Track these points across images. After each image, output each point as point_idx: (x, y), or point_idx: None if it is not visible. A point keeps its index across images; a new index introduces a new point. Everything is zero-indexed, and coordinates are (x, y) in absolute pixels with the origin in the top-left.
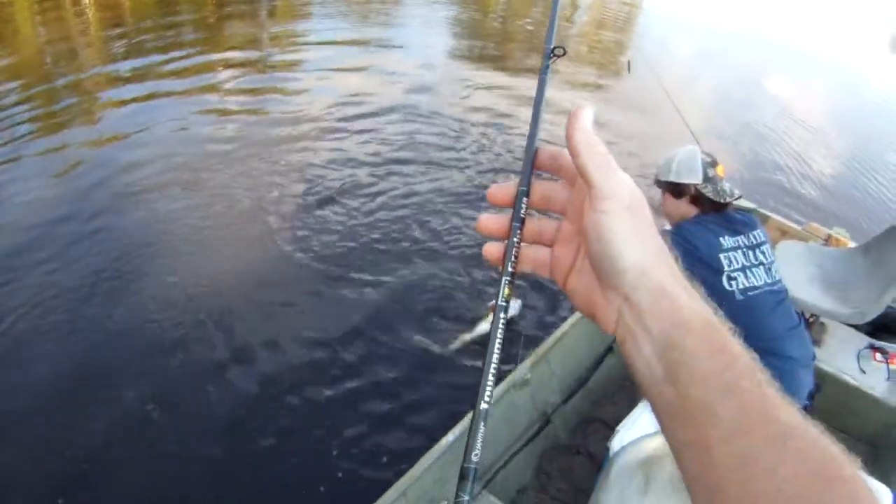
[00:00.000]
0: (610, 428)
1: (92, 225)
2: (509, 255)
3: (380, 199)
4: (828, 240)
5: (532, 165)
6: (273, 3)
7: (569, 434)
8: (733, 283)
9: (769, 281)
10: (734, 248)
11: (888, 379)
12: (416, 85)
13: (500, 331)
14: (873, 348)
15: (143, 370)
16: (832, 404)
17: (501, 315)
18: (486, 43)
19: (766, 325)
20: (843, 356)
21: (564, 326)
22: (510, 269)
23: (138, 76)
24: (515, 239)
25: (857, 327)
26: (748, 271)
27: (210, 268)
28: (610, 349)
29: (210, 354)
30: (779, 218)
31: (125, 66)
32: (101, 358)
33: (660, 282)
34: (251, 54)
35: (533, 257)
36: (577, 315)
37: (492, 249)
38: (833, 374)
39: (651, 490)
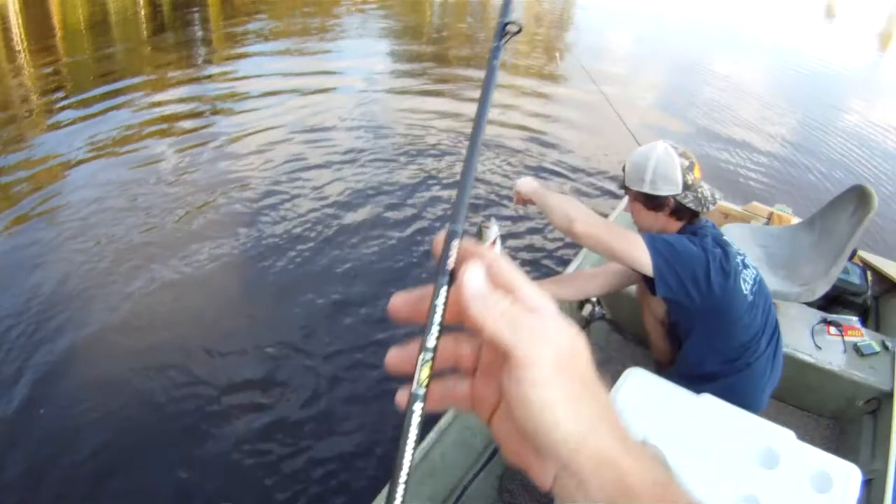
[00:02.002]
0: None
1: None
2: (431, 321)
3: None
4: (770, 218)
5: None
6: (209, 34)
7: None
8: (745, 284)
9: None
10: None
11: (844, 352)
12: (361, 109)
13: (414, 424)
14: (826, 322)
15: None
16: (790, 383)
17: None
18: (426, 64)
19: (767, 322)
20: (797, 334)
21: None
22: (435, 331)
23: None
24: (438, 303)
25: (808, 303)
26: (745, 271)
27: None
28: None
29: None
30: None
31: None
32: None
33: (600, 448)
34: (189, 88)
35: (447, 392)
36: None
37: (394, 356)
38: (789, 353)
39: None
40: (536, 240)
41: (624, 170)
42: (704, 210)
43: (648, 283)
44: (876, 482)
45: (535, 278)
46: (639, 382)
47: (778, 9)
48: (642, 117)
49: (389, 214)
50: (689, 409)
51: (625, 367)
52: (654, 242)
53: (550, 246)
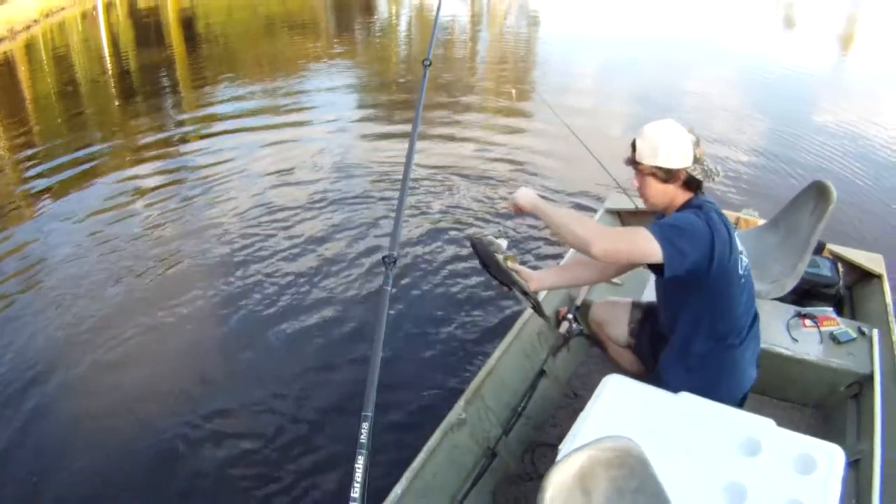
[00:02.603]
0: (557, 449)
1: None
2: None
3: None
4: (737, 223)
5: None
6: (178, 94)
7: (517, 463)
8: (740, 265)
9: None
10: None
11: (821, 342)
12: (329, 155)
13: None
14: (801, 316)
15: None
16: (772, 377)
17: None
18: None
19: (752, 307)
20: (773, 330)
21: (492, 360)
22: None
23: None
24: None
25: (780, 299)
26: (741, 254)
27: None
28: (542, 372)
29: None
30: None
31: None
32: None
33: None
34: (160, 148)
35: None
36: (505, 344)
37: None
38: (767, 349)
39: (593, 501)
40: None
41: (634, 147)
42: (711, 181)
43: (655, 267)
44: (864, 462)
45: (534, 267)
46: (617, 388)
47: (739, 21)
48: (608, 142)
49: (350, 250)
50: (668, 408)
51: None
52: (661, 231)
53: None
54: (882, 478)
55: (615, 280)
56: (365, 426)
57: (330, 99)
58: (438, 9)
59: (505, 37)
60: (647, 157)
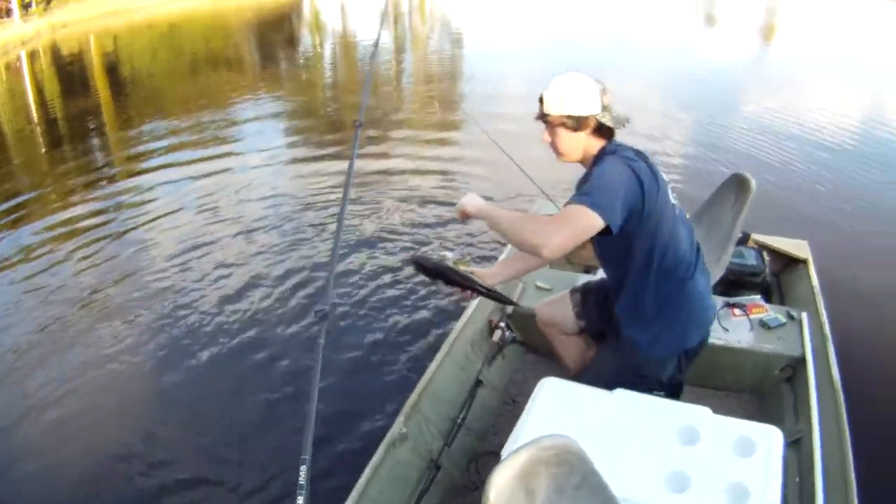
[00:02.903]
0: (499, 456)
1: None
2: None
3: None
4: None
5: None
6: (105, 140)
7: (461, 474)
8: (671, 195)
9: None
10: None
11: (751, 329)
12: (260, 187)
13: None
14: (730, 305)
15: None
16: (707, 368)
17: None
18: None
19: (692, 238)
20: None
21: (428, 373)
22: None
23: None
24: None
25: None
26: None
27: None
28: (479, 382)
29: None
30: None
31: None
32: None
33: None
34: (90, 192)
35: None
36: (440, 357)
37: None
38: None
39: (537, 500)
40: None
41: (541, 101)
42: (622, 126)
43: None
44: (803, 442)
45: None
46: (553, 390)
47: (661, 22)
48: (532, 150)
49: (285, 293)
50: (604, 405)
51: None
52: (593, 199)
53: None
54: (822, 455)
55: (542, 285)
56: (303, 469)
57: (259, 133)
58: (370, 75)
59: (429, 57)
60: (555, 108)
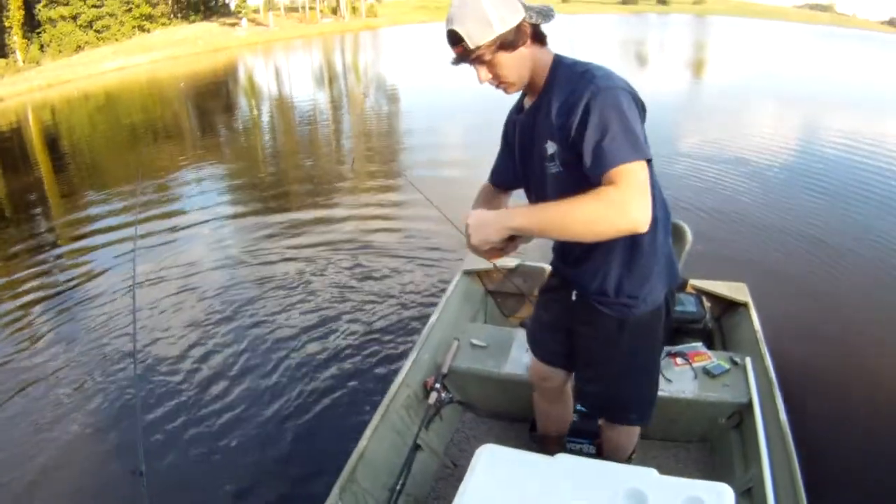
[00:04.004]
0: None
1: None
2: None
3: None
4: None
5: None
6: (48, 214)
7: None
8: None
9: None
10: None
11: (695, 378)
12: (210, 256)
13: None
14: (671, 355)
15: None
16: (656, 425)
17: None
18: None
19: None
20: None
21: (363, 441)
22: None
23: None
24: None
25: None
26: None
27: None
28: (417, 446)
29: None
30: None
31: None
32: None
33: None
34: (33, 271)
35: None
36: (374, 423)
37: None
38: None
39: None
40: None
41: (458, 40)
42: (550, 19)
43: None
44: (756, 490)
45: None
46: (491, 459)
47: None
48: (464, 205)
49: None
50: (545, 471)
51: (485, 443)
52: (632, 146)
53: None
54: (776, 501)
55: (478, 343)
56: None
57: (200, 200)
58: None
59: (367, 115)
60: (481, 36)
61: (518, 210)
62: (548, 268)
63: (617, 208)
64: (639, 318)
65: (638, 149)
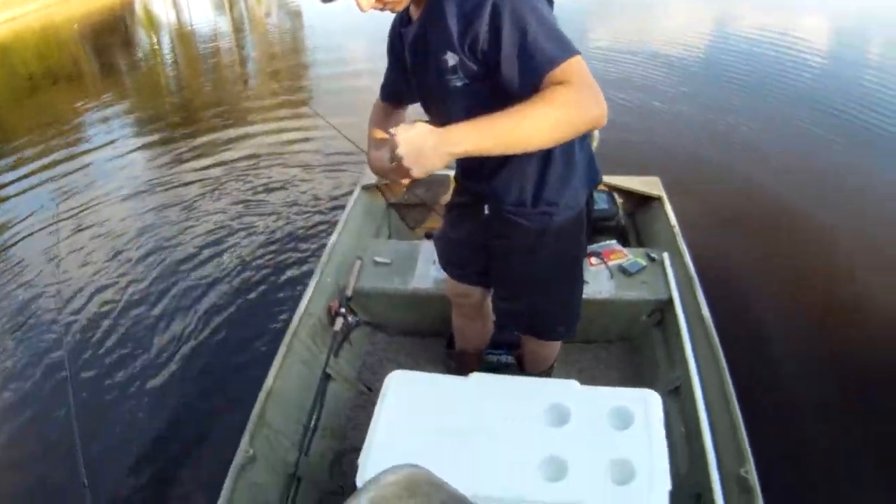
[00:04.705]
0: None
1: None
2: None
3: None
4: None
5: None
6: None
7: (326, 480)
8: None
9: None
10: None
11: (611, 277)
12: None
13: None
14: (585, 255)
15: None
16: None
17: None
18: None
19: None
20: None
21: (268, 381)
22: None
23: None
24: None
25: None
26: None
27: None
28: (327, 376)
29: None
30: None
31: None
32: None
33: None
34: None
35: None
36: (279, 360)
37: None
38: None
39: None
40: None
41: None
42: None
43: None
44: (683, 389)
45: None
46: (402, 384)
47: None
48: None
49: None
50: (460, 392)
51: (399, 364)
52: (566, 41)
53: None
54: (705, 400)
55: (382, 260)
56: None
57: (109, 142)
58: None
59: (269, 35)
60: None
61: (459, 132)
62: (451, 174)
63: (576, 108)
64: (560, 224)
65: (568, 43)
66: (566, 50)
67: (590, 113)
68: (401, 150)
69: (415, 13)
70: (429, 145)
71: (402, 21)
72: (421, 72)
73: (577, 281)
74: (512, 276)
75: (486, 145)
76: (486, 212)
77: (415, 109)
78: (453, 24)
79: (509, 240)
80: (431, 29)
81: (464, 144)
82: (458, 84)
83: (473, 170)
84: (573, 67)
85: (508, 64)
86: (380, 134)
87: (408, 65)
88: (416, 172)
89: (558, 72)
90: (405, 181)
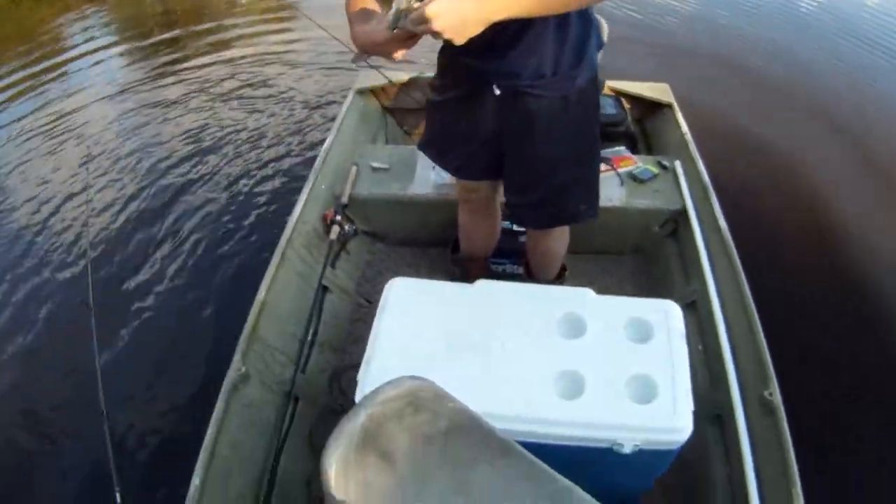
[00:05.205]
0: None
1: None
2: None
3: None
4: None
5: None
6: None
7: (325, 397)
8: None
9: None
10: None
11: (622, 184)
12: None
13: None
14: None
15: None
16: (580, 234)
17: None
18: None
19: None
20: None
21: (261, 293)
22: None
23: None
24: None
25: None
26: None
27: None
28: (324, 288)
29: None
30: None
31: None
32: None
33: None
34: None
35: None
36: (272, 272)
37: None
38: None
39: (399, 460)
40: None
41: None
42: None
43: None
44: (699, 303)
45: None
46: (403, 293)
47: None
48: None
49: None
50: (465, 300)
51: (399, 274)
52: None
53: None
54: (723, 315)
55: (379, 165)
56: None
57: (88, 45)
58: None
59: None
60: None
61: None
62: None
63: None
64: (582, 88)
65: None
66: None
67: None
68: (440, 22)
69: None
70: (469, 14)
71: None
72: None
73: (597, 155)
74: (531, 158)
75: (515, 11)
76: (497, 92)
77: None
78: None
79: (529, 117)
80: None
81: (509, 9)
82: None
83: (484, 48)
84: None
85: None
86: (366, 3)
87: None
88: (458, 40)
89: None
90: (398, 55)
